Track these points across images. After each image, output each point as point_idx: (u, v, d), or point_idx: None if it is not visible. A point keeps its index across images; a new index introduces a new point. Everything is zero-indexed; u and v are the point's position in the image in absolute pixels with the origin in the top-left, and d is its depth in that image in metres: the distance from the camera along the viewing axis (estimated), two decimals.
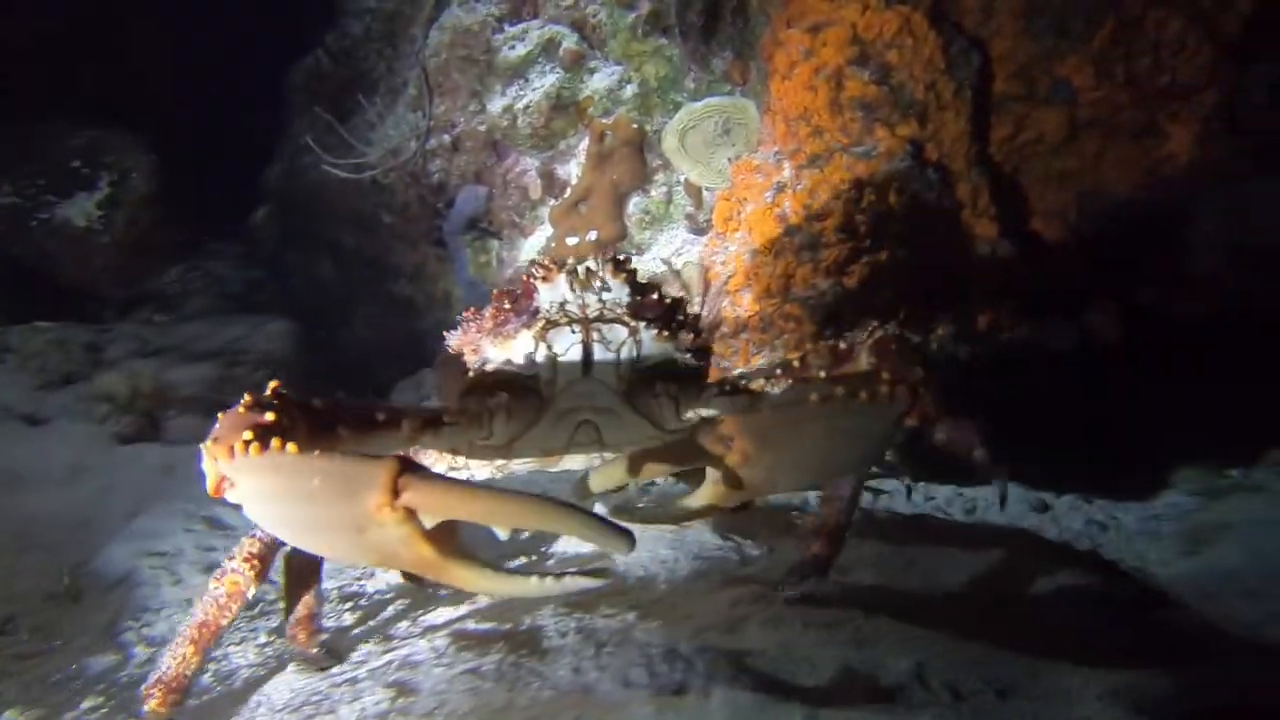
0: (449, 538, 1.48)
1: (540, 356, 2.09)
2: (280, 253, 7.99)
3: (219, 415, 1.80)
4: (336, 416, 1.89)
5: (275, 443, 1.55)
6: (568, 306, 2.07)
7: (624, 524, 1.52)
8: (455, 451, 2.29)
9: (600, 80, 5.23)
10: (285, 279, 7.77)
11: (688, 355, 2.22)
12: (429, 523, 1.46)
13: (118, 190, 6.74)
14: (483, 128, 5.58)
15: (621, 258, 2.17)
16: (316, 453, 1.51)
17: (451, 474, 2.40)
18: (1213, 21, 5.25)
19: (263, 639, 2.25)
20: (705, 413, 2.18)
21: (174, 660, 2.15)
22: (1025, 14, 5.05)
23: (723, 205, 5.05)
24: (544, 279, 2.08)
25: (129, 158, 6.86)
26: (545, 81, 5.29)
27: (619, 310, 2.09)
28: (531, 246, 5.72)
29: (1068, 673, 1.77)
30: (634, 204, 5.38)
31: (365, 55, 6.32)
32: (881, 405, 1.82)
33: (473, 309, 2.37)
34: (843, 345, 2.11)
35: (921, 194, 4.57)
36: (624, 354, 2.12)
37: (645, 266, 5.40)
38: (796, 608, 1.87)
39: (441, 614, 2.41)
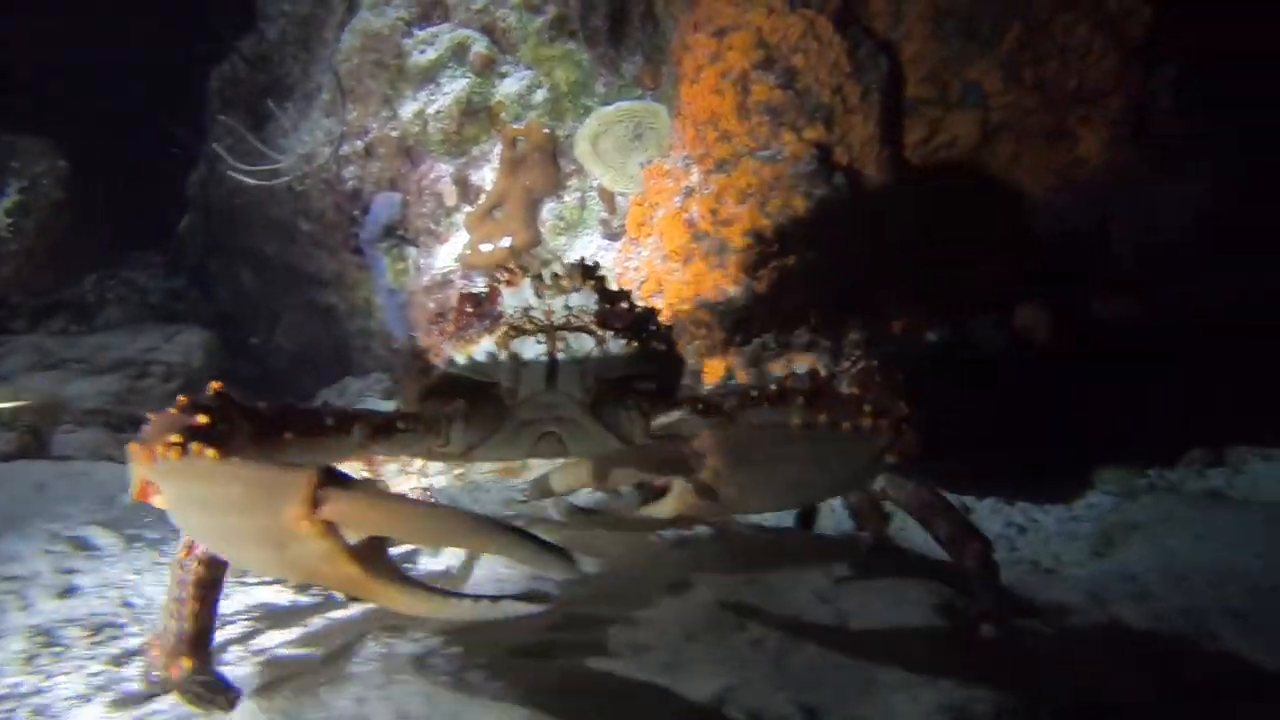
0: (376, 554, 1.39)
1: (502, 363, 2.02)
2: (204, 262, 7.83)
3: (149, 418, 1.70)
4: (282, 421, 1.81)
5: (195, 447, 1.48)
6: (532, 312, 2.00)
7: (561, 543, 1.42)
8: (412, 456, 2.21)
9: (511, 85, 5.16)
10: (208, 288, 7.61)
11: (656, 365, 2.16)
12: (353, 538, 1.37)
13: (27, 197, 6.54)
14: (395, 133, 5.49)
15: (590, 263, 2.10)
16: (236, 460, 1.46)
17: (406, 479, 2.33)
18: (1119, 26, 5.31)
19: (96, 667, 2.13)
20: (677, 427, 2.10)
21: (183, 620, 1.91)
22: (934, 18, 5.07)
23: (635, 210, 5.01)
24: (508, 283, 2.02)
25: (39, 164, 6.67)
26: (456, 86, 5.22)
27: (585, 318, 2.02)
28: (447, 254, 5.64)
29: (896, 689, 1.74)
30: (548, 210, 5.32)
31: (281, 60, 6.20)
32: (864, 437, 1.79)
33: (436, 312, 2.33)
34: (823, 373, 2.03)
35: (829, 197, 4.56)
36: (590, 364, 2.04)
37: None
38: (622, 629, 1.80)
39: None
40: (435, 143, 5.35)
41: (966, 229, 5.81)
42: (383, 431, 1.96)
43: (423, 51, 5.28)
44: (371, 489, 1.42)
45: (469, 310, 2.09)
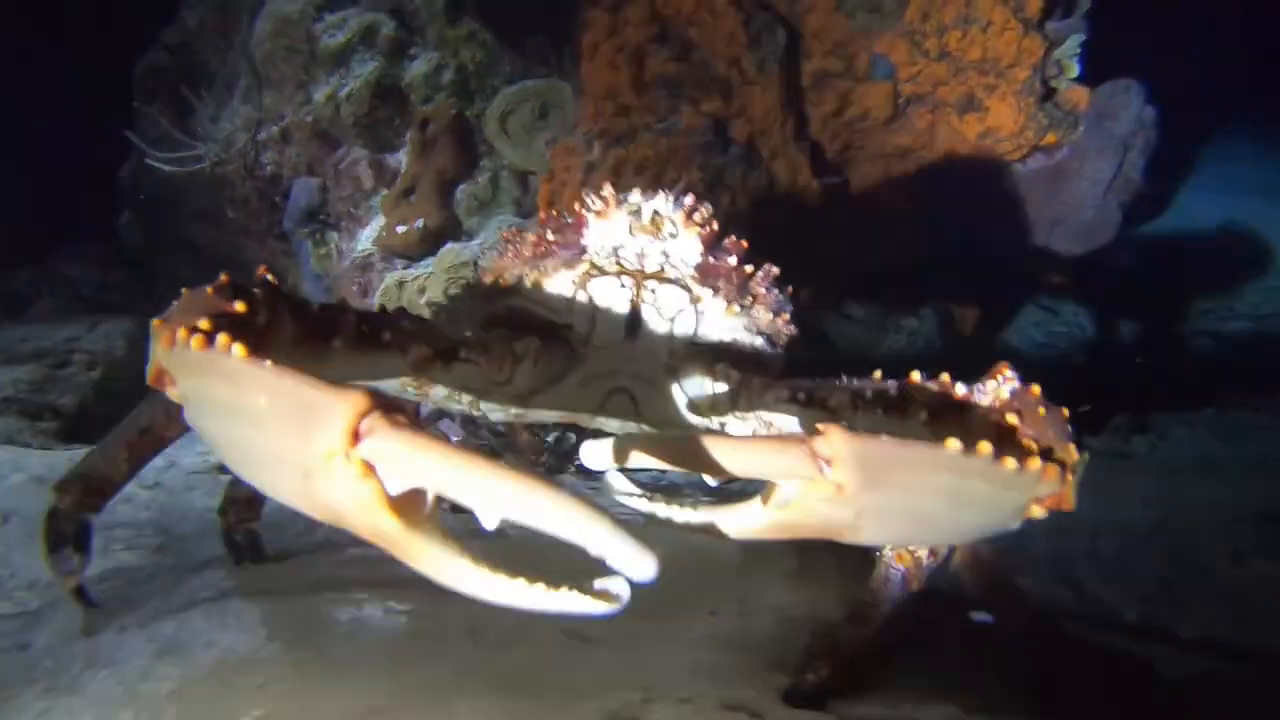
0: (419, 506, 1.14)
1: (578, 304, 1.78)
2: (145, 254, 7.83)
3: (184, 291, 1.50)
4: (334, 325, 1.58)
5: (222, 339, 1.22)
6: (622, 252, 1.75)
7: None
8: (465, 389, 1.90)
9: (419, 66, 5.19)
10: (149, 280, 7.62)
11: (760, 339, 1.88)
12: (396, 485, 1.11)
13: None
14: (310, 118, 5.51)
15: (701, 206, 1.79)
16: (269, 365, 1.17)
17: (454, 407, 1.99)
18: None
19: None
20: (770, 416, 1.83)
21: (103, 460, 1.82)
22: None
23: (544, 188, 5.06)
24: (598, 213, 1.77)
25: None
26: (366, 69, 5.25)
27: (684, 270, 1.75)
28: (368, 237, 5.67)
29: None
30: (461, 190, 5.36)
31: (201, 49, 6.21)
32: (1029, 479, 1.38)
33: (514, 228, 1.99)
34: (961, 390, 1.64)
35: (726, 169, 4.62)
36: (679, 325, 1.78)
37: (473, 252, 5.40)
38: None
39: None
40: (348, 126, 5.38)
41: (881, 199, 5.88)
42: (443, 356, 1.72)
43: (333, 35, 5.31)
44: (427, 432, 1.13)
45: (550, 237, 1.85)
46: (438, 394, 1.94)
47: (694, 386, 1.86)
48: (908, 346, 6.59)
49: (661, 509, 1.47)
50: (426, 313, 5.53)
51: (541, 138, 5.08)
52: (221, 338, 1.22)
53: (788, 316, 1.91)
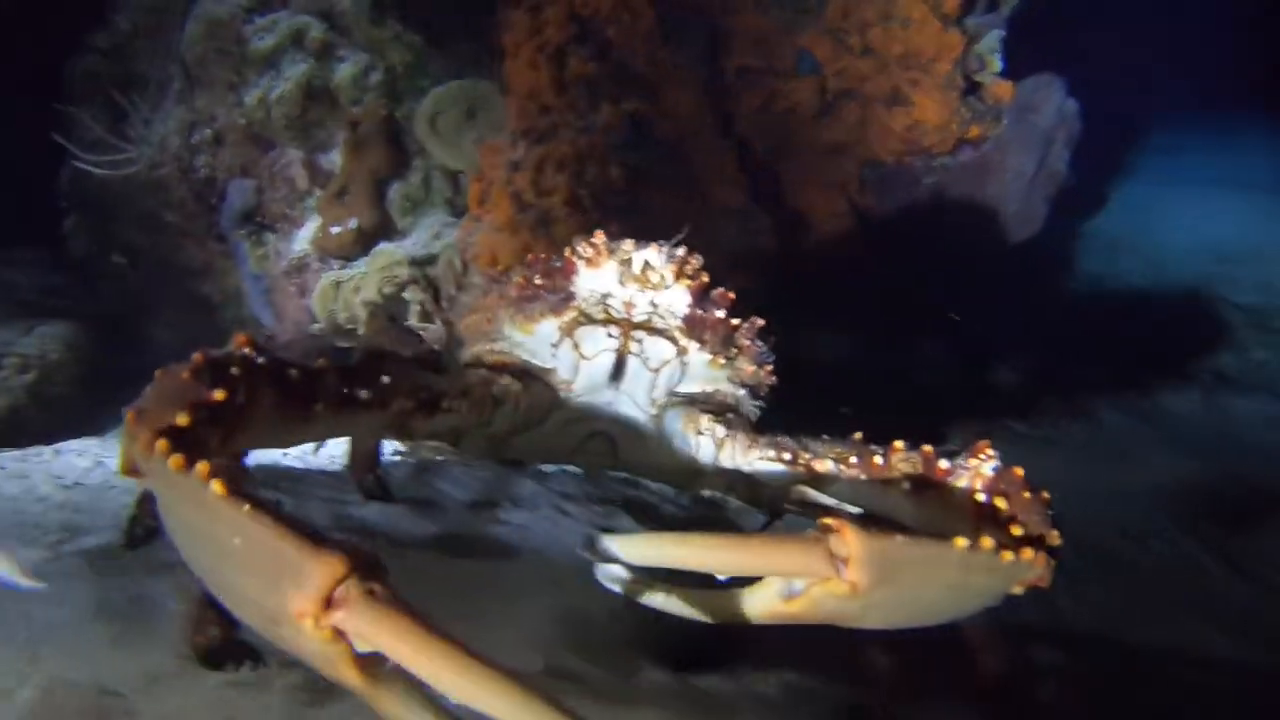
0: (383, 662, 1.12)
1: (563, 351, 1.78)
2: (88, 258, 7.80)
3: (157, 374, 1.45)
4: (313, 390, 1.55)
5: (200, 469, 1.19)
6: (610, 301, 1.76)
7: None
8: (448, 437, 1.88)
9: (348, 68, 5.24)
10: (91, 284, 7.60)
11: (742, 391, 1.91)
12: (364, 646, 1.11)
13: None
14: (242, 120, 5.54)
15: (692, 259, 1.80)
16: (247, 507, 1.15)
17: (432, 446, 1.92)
18: None
19: None
20: (742, 464, 1.84)
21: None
22: None
23: (474, 187, 5.12)
24: (589, 261, 1.77)
25: None
26: (296, 71, 5.29)
27: (670, 321, 1.77)
28: (304, 238, 5.71)
29: None
30: (394, 190, 5.41)
31: (135, 52, 6.21)
32: (1021, 568, 1.47)
33: (500, 268, 2.02)
34: (944, 464, 1.72)
35: (647, 166, 4.70)
36: (663, 376, 1.80)
37: (406, 251, 5.46)
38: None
39: None
40: (279, 128, 5.41)
41: (812, 195, 6.00)
42: (424, 408, 1.71)
43: (262, 38, 5.34)
44: (406, 608, 1.10)
45: (537, 281, 1.83)
46: (423, 434, 1.93)
47: (676, 437, 1.87)
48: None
49: (665, 601, 1.50)
50: (363, 313, 5.59)
51: (470, 137, 5.14)
52: (200, 467, 1.20)
53: (770, 368, 1.93)
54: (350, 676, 1.12)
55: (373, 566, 1.12)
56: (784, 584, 1.42)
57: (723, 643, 2.01)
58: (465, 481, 3.20)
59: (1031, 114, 6.07)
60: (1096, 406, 7.38)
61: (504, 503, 3.00)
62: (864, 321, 6.67)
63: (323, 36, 5.25)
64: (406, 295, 5.43)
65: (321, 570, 1.09)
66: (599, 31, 4.63)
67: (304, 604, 1.09)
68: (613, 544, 1.42)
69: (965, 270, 7.30)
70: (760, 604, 1.45)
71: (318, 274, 5.71)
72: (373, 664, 1.12)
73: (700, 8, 5.06)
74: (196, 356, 1.47)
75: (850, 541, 1.33)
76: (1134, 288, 10.28)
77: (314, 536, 1.14)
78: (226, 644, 1.82)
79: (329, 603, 1.09)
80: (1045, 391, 6.94)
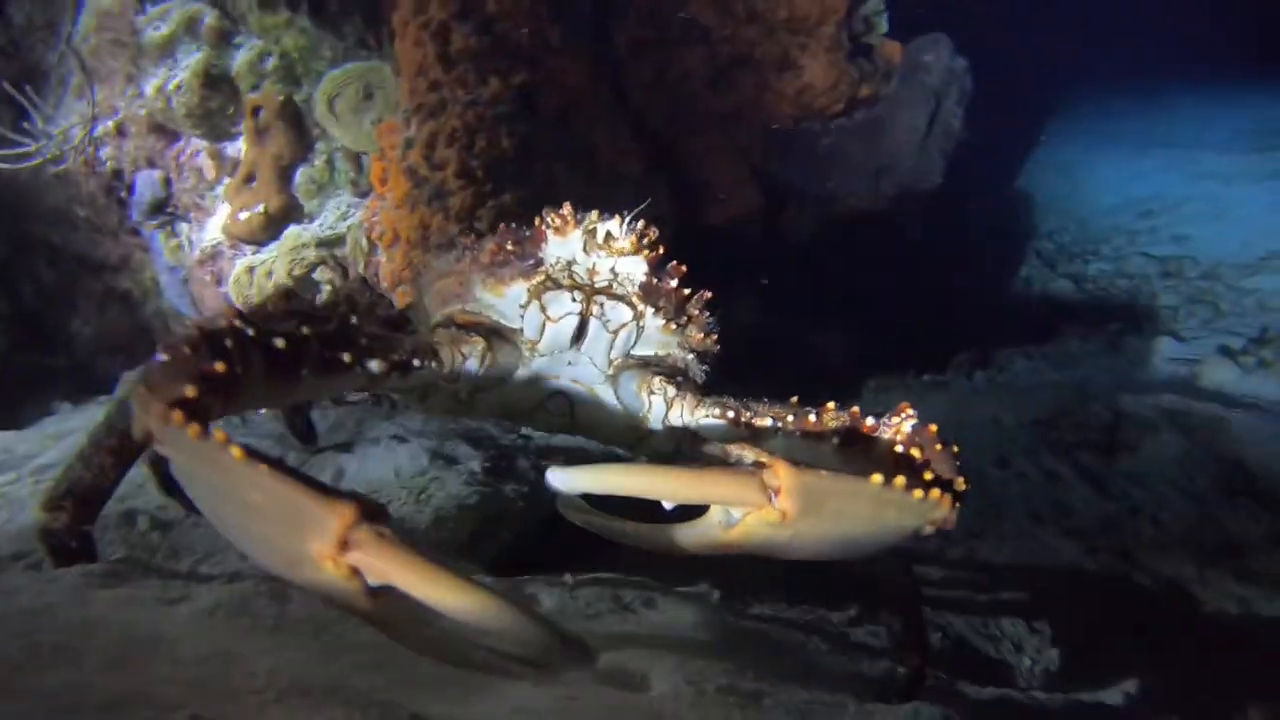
0: (403, 600, 1.28)
1: (530, 313, 1.92)
2: (9, 259, 7.77)
3: (159, 349, 1.54)
4: (299, 357, 1.66)
5: (217, 434, 1.32)
6: (574, 267, 1.90)
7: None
8: (417, 393, 2.03)
9: (244, 55, 5.30)
10: (12, 285, 7.58)
11: (690, 355, 2.06)
12: (375, 581, 1.27)
13: None
14: (143, 111, 5.57)
15: (653, 232, 1.94)
16: (265, 467, 1.29)
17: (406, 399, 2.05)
18: None
19: None
20: (698, 428, 1.99)
21: (87, 471, 1.83)
22: None
23: (375, 166, 5.22)
24: (556, 230, 1.91)
25: None
26: (192, 60, 5.33)
27: (629, 288, 1.91)
28: (215, 225, 5.77)
29: None
30: (299, 174, 5.49)
31: (32, 45, 6.19)
32: (929, 506, 1.65)
33: (472, 235, 2.15)
34: (869, 421, 1.89)
35: (535, 136, 4.84)
36: (621, 337, 1.95)
37: (314, 233, 5.55)
38: None
39: None
40: (180, 118, 5.46)
41: (711, 161, 6.17)
42: (398, 368, 1.84)
43: (156, 27, 5.37)
44: (410, 546, 1.28)
45: (509, 247, 1.97)
46: (398, 391, 2.11)
47: (629, 396, 2.02)
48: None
49: (618, 527, 1.68)
50: (275, 297, 5.67)
51: (368, 118, 5.23)
52: (217, 433, 1.33)
53: (715, 337, 2.09)
54: (365, 606, 1.29)
55: (377, 513, 1.29)
56: (723, 515, 1.58)
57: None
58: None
59: (921, 73, 6.28)
60: (1004, 356, 7.71)
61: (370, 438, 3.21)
62: (772, 285, 6.89)
63: (216, 24, 5.29)
64: (316, 276, 5.53)
65: (337, 517, 1.26)
66: (481, 7, 4.74)
67: (323, 547, 1.25)
68: (570, 475, 1.55)
69: (869, 230, 7.55)
70: (702, 534, 1.61)
71: (231, 261, 5.78)
72: (383, 597, 1.29)
73: None
74: (193, 332, 1.56)
75: (781, 474, 1.51)
76: (1058, 245, 10.66)
77: (325, 489, 1.30)
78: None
79: (344, 545, 1.25)
80: (957, 345, 7.22)
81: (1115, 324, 8.19)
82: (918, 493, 1.63)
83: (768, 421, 1.97)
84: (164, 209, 5.97)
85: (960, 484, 1.77)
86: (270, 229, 5.57)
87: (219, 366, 1.49)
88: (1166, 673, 2.52)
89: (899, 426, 1.88)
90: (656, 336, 1.98)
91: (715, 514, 1.59)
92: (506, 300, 1.95)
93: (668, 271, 1.99)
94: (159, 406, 1.37)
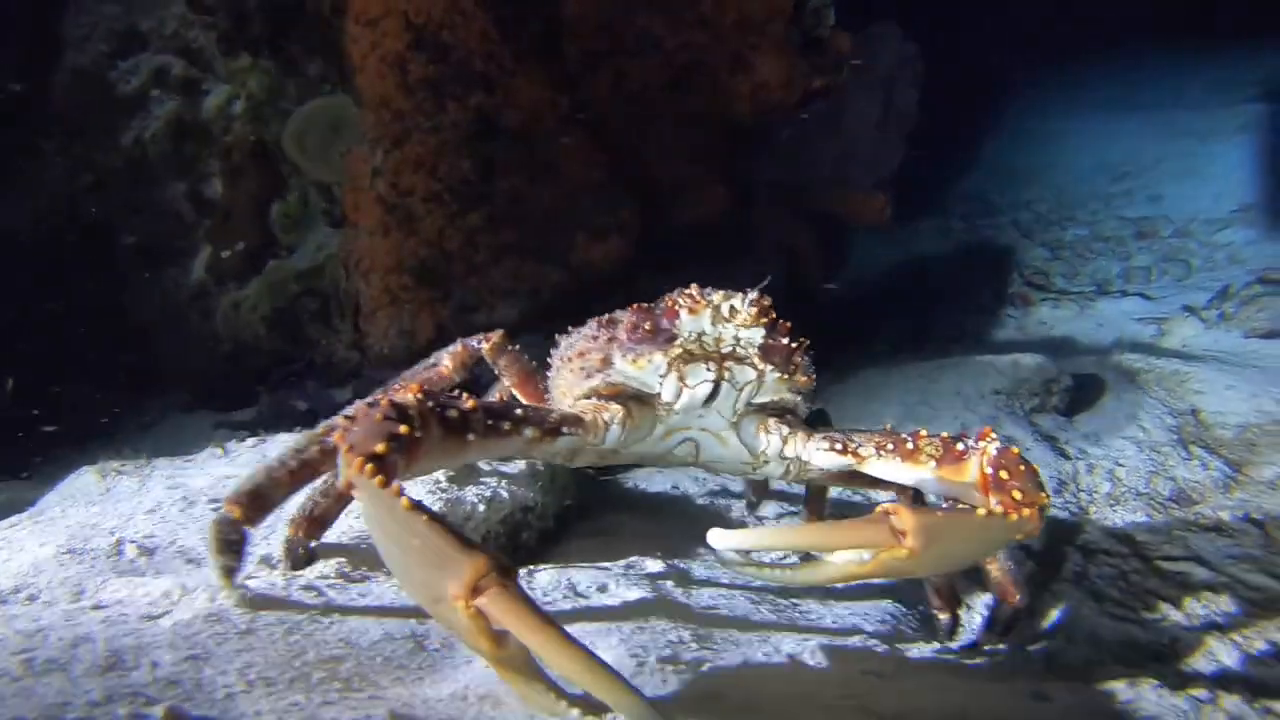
0: (518, 646, 1.50)
1: (669, 381, 2.19)
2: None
3: (356, 409, 1.86)
4: (467, 423, 1.96)
5: (394, 488, 1.58)
6: (704, 338, 2.17)
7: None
8: (565, 456, 2.31)
9: (213, 100, 5.51)
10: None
11: (799, 397, 2.33)
12: (497, 626, 1.49)
13: None
14: (121, 162, 5.79)
15: (766, 301, 2.21)
16: (423, 519, 1.54)
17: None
18: None
19: None
20: (803, 455, 2.29)
21: (269, 482, 2.13)
22: None
23: (348, 197, 5.41)
24: (690, 310, 2.17)
25: None
26: (164, 109, 5.54)
27: (750, 350, 2.19)
28: (199, 266, 5.98)
29: None
30: (275, 210, 5.70)
31: None
32: (1021, 524, 1.95)
33: (606, 316, 2.42)
34: (959, 446, 2.15)
35: (496, 156, 5.02)
36: (745, 393, 2.22)
37: (293, 266, 5.75)
38: None
39: None
40: (158, 166, 5.67)
41: (675, 163, 6.34)
42: (550, 434, 2.14)
43: (129, 81, 5.59)
44: (529, 602, 1.49)
45: (646, 326, 2.24)
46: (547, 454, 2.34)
47: (749, 437, 2.32)
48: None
49: (768, 572, 1.99)
50: (262, 329, 5.88)
51: (337, 151, 5.43)
52: (394, 486, 1.59)
53: (814, 376, 2.39)
54: (485, 646, 1.51)
55: (507, 569, 1.51)
56: (861, 553, 1.88)
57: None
58: None
59: (872, 61, 6.44)
60: (978, 326, 7.87)
61: None
62: (745, 281, 7.05)
63: (184, 73, 5.51)
64: (298, 307, 5.74)
65: (471, 567, 1.49)
66: (435, 36, 4.93)
67: (457, 589, 1.49)
68: (732, 537, 1.85)
69: (840, 214, 7.71)
70: (842, 570, 1.91)
71: (217, 298, 6.00)
72: (502, 638, 1.51)
73: (538, 3, 5.36)
74: (385, 402, 1.85)
75: (905, 519, 1.83)
76: (1036, 215, 10.81)
77: (469, 542, 1.54)
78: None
79: (475, 590, 1.48)
80: (935, 321, 7.40)
81: (1088, 288, 8.36)
82: (1012, 516, 1.94)
83: (871, 450, 2.26)
84: (149, 254, 6.19)
85: (1044, 499, 2.04)
86: (252, 265, 5.78)
87: (403, 429, 1.79)
88: (1104, 618, 2.68)
89: (985, 450, 2.14)
90: (772, 386, 2.27)
91: (851, 553, 1.89)
92: (646, 372, 2.23)
93: (779, 330, 2.29)
94: (357, 461, 1.66)
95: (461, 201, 4.93)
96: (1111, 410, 4.61)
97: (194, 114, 5.56)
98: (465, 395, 2.03)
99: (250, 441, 3.30)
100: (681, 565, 2.74)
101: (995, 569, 2.52)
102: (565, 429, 2.17)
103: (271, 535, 2.41)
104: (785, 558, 2.78)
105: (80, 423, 7.09)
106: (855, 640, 2.29)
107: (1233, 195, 9.48)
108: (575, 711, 1.52)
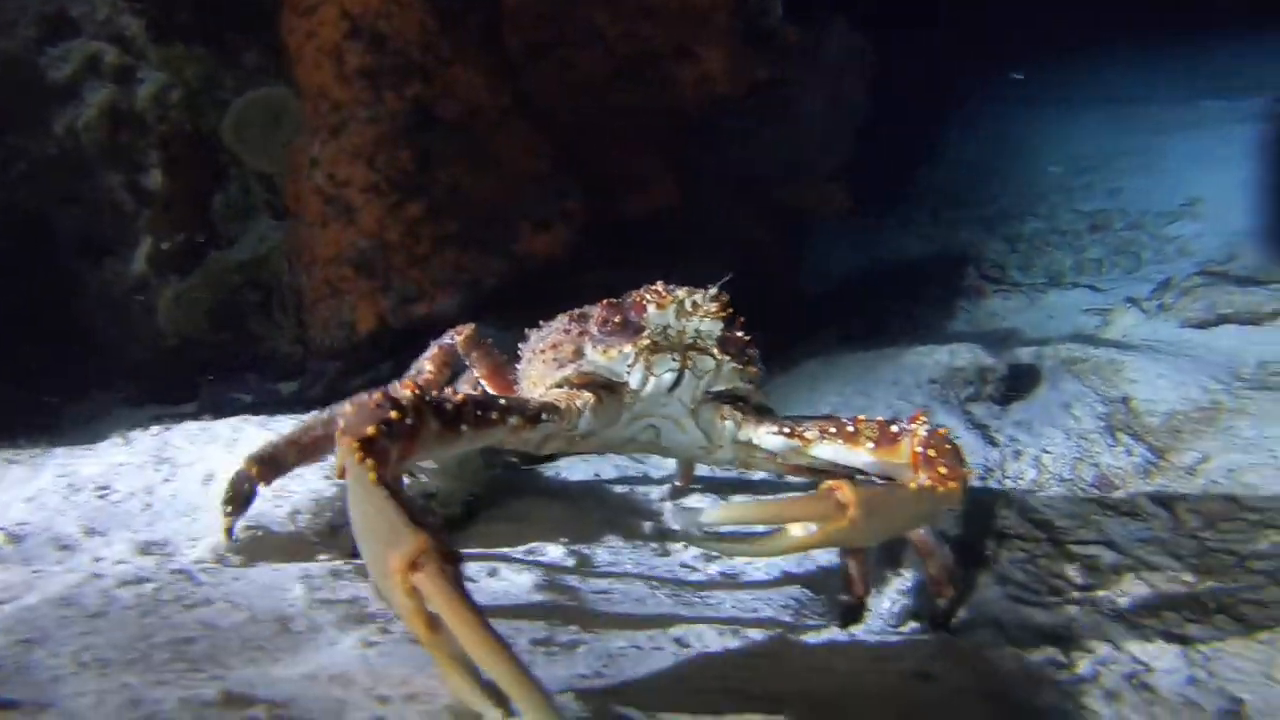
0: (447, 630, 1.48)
1: (636, 369, 2.38)
2: None
3: (355, 399, 1.97)
4: (460, 416, 2.11)
5: (368, 462, 1.69)
6: (669, 330, 2.38)
7: None
8: (540, 440, 2.44)
9: (147, 89, 5.42)
10: None
11: (751, 386, 2.51)
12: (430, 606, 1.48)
13: None
14: (55, 151, 5.69)
15: (725, 297, 2.42)
16: (383, 491, 1.61)
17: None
18: None
19: None
20: (754, 439, 2.47)
21: (285, 449, 2.43)
22: None
23: (290, 188, 5.37)
24: (657, 304, 2.37)
25: None
26: (97, 97, 5.44)
27: (710, 342, 2.40)
28: (140, 258, 5.89)
29: None
30: (216, 201, 5.62)
31: None
32: (946, 497, 2.16)
33: (577, 311, 2.60)
34: (894, 429, 2.35)
35: (435, 147, 4.98)
36: (704, 381, 2.42)
37: (235, 258, 5.69)
38: None
39: None
40: (92, 155, 5.58)
41: (621, 155, 6.33)
42: (530, 422, 2.30)
43: (60, 68, 5.48)
44: (458, 585, 1.50)
45: (616, 320, 2.45)
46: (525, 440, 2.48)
47: (706, 423, 2.51)
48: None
49: (725, 545, 2.18)
50: (205, 322, 5.82)
51: (278, 141, 5.37)
52: (368, 461, 1.70)
53: (762, 367, 2.59)
54: (417, 625, 1.50)
55: (450, 553, 1.53)
56: (806, 526, 2.04)
57: None
58: None
59: (819, 51, 6.46)
60: (931, 316, 7.94)
61: None
62: (692, 272, 7.06)
63: (118, 60, 5.41)
64: (240, 300, 5.68)
65: (410, 543, 1.51)
66: (371, 26, 4.88)
67: (397, 562, 1.50)
68: (693, 513, 2.03)
69: (798, 208, 7.73)
70: (792, 541, 2.06)
71: (158, 290, 5.91)
72: (436, 622, 1.50)
73: None
74: (378, 394, 1.97)
75: (848, 493, 2.00)
76: (998, 209, 10.90)
77: (417, 519, 1.57)
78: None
79: (413, 566, 1.49)
80: (890, 314, 7.44)
81: (1040, 280, 8.45)
82: (939, 489, 2.17)
83: (815, 434, 2.45)
84: (88, 245, 6.08)
85: (967, 474, 2.26)
86: (194, 256, 5.70)
87: (394, 414, 1.89)
88: (1007, 601, 2.71)
89: (916, 431, 2.34)
90: (728, 375, 2.46)
91: (805, 525, 2.06)
92: (616, 361, 2.43)
93: (735, 324, 2.52)
94: (348, 442, 1.77)
95: (400, 192, 4.89)
96: (1045, 399, 4.65)
97: (129, 102, 5.47)
98: (451, 389, 2.21)
99: (153, 429, 3.26)
100: (585, 551, 2.75)
101: (933, 566, 2.67)
102: (544, 416, 2.33)
103: (156, 524, 2.38)
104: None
105: (16, 420, 6.99)
106: (751, 626, 2.30)
107: (1183, 188, 9.61)
108: (498, 713, 1.50)
